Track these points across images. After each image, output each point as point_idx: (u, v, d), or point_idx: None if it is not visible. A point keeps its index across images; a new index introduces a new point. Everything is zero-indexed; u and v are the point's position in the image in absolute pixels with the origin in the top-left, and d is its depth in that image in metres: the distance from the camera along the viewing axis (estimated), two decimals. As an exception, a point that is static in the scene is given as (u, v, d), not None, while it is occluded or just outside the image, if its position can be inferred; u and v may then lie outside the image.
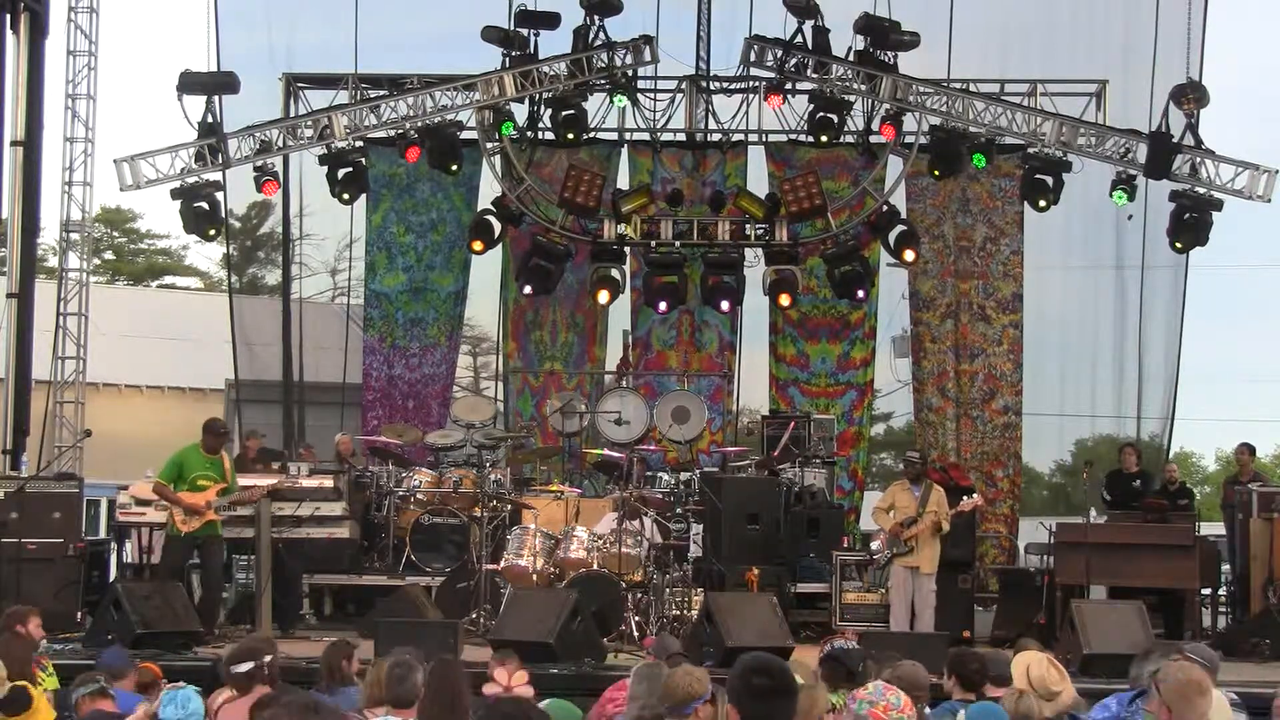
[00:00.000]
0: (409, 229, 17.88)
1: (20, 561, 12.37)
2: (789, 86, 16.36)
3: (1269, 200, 15.31)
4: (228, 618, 13.28)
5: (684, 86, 17.36)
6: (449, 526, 14.15)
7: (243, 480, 12.75)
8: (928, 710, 6.68)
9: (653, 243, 16.67)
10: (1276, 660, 12.08)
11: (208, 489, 12.08)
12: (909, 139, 16.63)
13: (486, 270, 18.06)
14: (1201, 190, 15.47)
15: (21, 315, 15.11)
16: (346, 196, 16.17)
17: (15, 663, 7.63)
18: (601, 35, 15.88)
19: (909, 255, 16.66)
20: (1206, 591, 14.14)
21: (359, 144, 16.23)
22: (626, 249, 16.91)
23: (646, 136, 17.61)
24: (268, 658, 6.60)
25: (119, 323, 23.69)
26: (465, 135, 16.30)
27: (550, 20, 15.87)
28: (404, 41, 18.42)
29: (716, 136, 17.70)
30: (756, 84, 16.98)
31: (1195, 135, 15.35)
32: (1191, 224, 15.57)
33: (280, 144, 15.85)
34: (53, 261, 22.05)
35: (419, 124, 15.72)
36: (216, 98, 15.58)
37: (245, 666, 6.56)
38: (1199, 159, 15.41)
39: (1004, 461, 17.47)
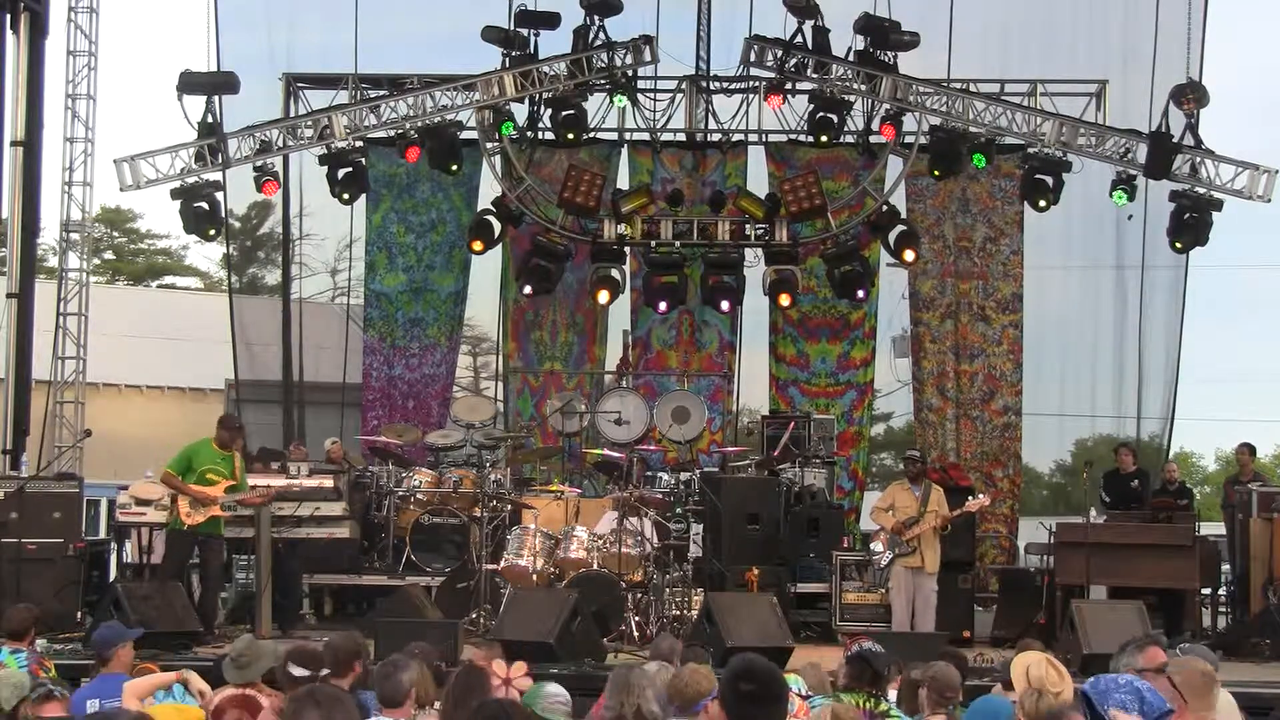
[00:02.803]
0: (409, 229, 17.88)
1: (20, 561, 12.37)
2: (789, 86, 16.36)
3: (1269, 200, 15.31)
4: (228, 618, 13.28)
5: (684, 86, 17.36)
6: (449, 526, 14.16)
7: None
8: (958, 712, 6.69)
9: (653, 243, 16.68)
10: (1276, 660, 12.09)
11: (217, 484, 12.08)
12: (909, 139, 16.63)
13: (486, 270, 18.08)
14: (1201, 190, 15.46)
15: (21, 315, 15.11)
16: (346, 196, 16.15)
17: None
18: (601, 35, 15.87)
19: (909, 255, 16.66)
20: (1206, 591, 14.13)
21: (359, 144, 16.21)
22: (626, 249, 16.92)
23: (646, 136, 17.61)
24: (304, 671, 6.55)
25: (119, 323, 23.68)
26: (465, 135, 16.30)
27: (550, 20, 15.87)
28: (404, 41, 18.43)
29: (716, 136, 17.71)
30: (756, 84, 16.98)
31: (1195, 135, 15.35)
32: (1191, 224, 15.57)
33: (280, 144, 15.85)
34: (53, 261, 22.03)
35: (419, 124, 15.72)
36: (216, 98, 15.57)
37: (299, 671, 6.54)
38: (1199, 159, 15.41)
39: (1004, 461, 17.48)
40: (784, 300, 16.62)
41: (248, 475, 12.81)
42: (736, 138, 17.71)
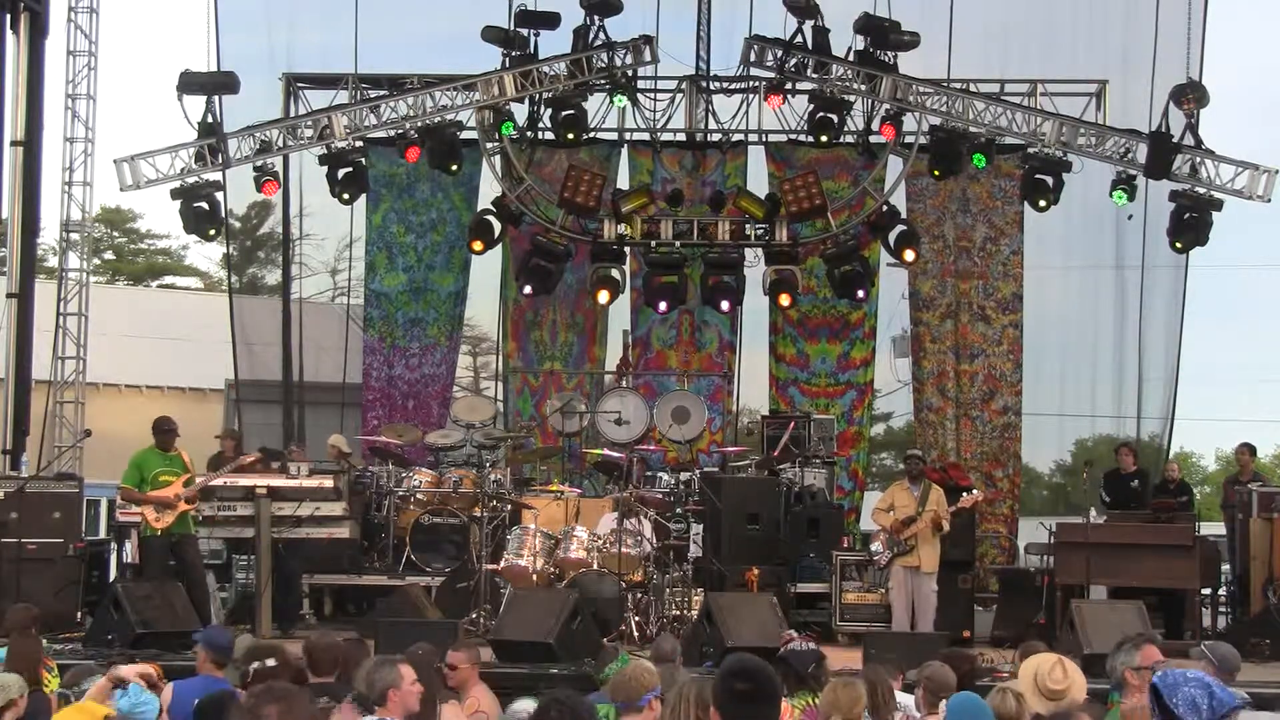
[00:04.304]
0: (409, 229, 17.88)
1: (20, 561, 12.38)
2: (789, 86, 16.36)
3: (1269, 200, 15.31)
4: (228, 618, 13.28)
5: (684, 86, 17.35)
6: (449, 526, 14.15)
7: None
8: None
9: (653, 243, 16.67)
10: (1276, 660, 12.08)
11: (172, 484, 12.12)
12: (909, 139, 16.62)
13: (486, 270, 18.07)
14: (1201, 190, 15.46)
15: (21, 315, 15.12)
16: (346, 196, 16.16)
17: (28, 664, 7.65)
18: (601, 35, 15.88)
19: (909, 255, 16.66)
20: (1206, 591, 14.12)
21: (359, 144, 16.22)
22: (626, 249, 16.92)
23: (646, 136, 17.60)
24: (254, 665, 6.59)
25: (119, 323, 23.68)
26: (465, 135, 16.30)
27: (550, 20, 15.88)
28: (404, 41, 18.44)
29: (716, 136, 17.70)
30: (756, 84, 16.98)
31: (1195, 135, 15.35)
32: (1191, 224, 15.57)
33: (280, 144, 15.85)
34: (53, 261, 22.03)
35: (419, 124, 15.72)
36: (216, 98, 15.57)
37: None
38: (1199, 159, 15.41)
39: (1004, 461, 17.47)
40: (784, 300, 16.62)
41: (252, 475, 12.84)
42: (736, 138, 17.70)
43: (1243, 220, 17.11)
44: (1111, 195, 15.75)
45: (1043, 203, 16.13)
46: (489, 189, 17.27)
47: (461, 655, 7.85)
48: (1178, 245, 15.89)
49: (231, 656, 7.70)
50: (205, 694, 6.89)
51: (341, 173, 15.96)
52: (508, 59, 15.82)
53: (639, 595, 12.56)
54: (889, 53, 15.77)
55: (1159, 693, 4.40)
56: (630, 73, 16.31)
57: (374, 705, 5.98)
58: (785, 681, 6.77)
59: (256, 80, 16.80)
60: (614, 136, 17.69)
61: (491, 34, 15.72)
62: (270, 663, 6.60)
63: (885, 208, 16.79)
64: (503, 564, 12.76)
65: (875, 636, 11.59)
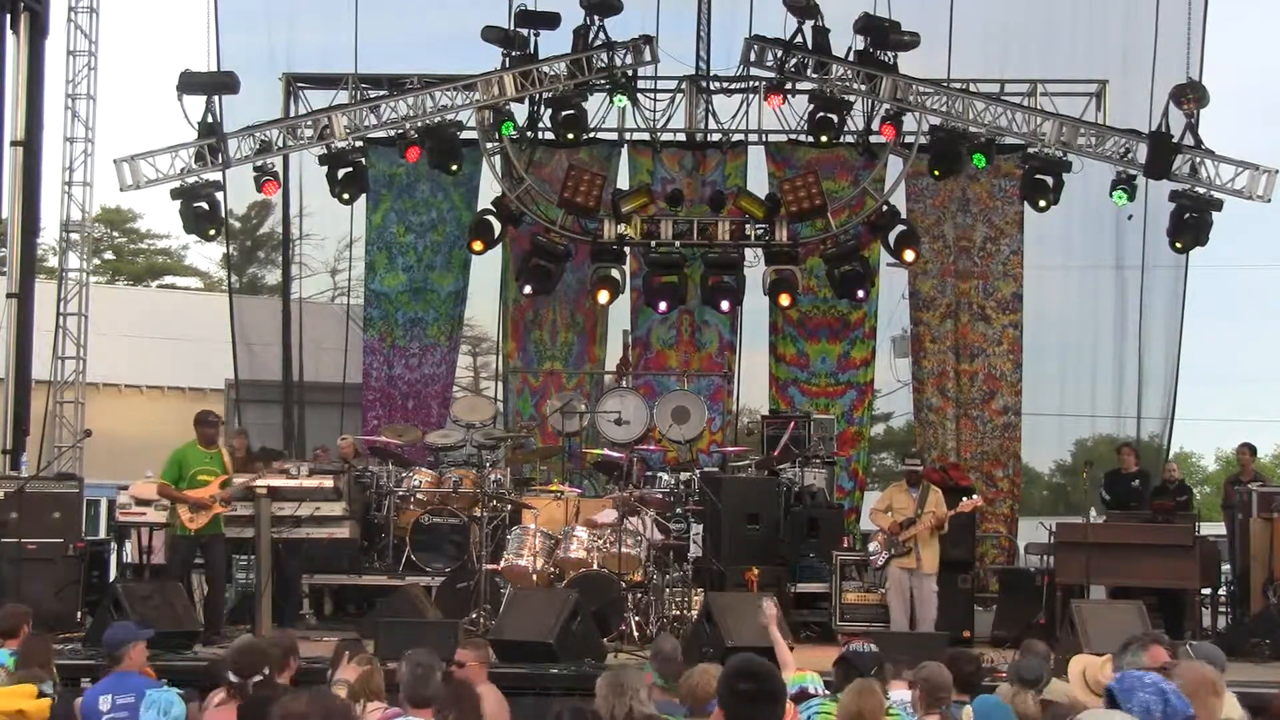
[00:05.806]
0: (409, 229, 17.88)
1: (20, 561, 12.37)
2: (789, 86, 16.36)
3: (1269, 200, 15.32)
4: (228, 618, 13.27)
5: (684, 86, 17.36)
6: (449, 526, 14.15)
7: (238, 480, 12.78)
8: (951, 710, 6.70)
9: (653, 243, 16.68)
10: (1276, 660, 12.09)
11: (210, 484, 12.09)
12: (909, 139, 16.63)
13: (486, 270, 18.08)
14: (1201, 190, 15.47)
15: (21, 315, 15.12)
16: (346, 196, 16.17)
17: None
18: (601, 35, 15.89)
19: (909, 255, 16.67)
20: (1206, 591, 14.13)
21: (359, 144, 16.23)
22: (626, 249, 16.93)
23: (646, 136, 17.61)
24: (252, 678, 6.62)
25: (119, 323, 23.69)
26: (465, 135, 16.31)
27: (550, 20, 15.88)
28: (404, 41, 18.45)
29: (716, 136, 17.70)
30: (756, 84, 16.99)
31: (1195, 135, 15.35)
32: (1191, 224, 15.57)
33: (280, 144, 15.86)
34: (53, 261, 22.04)
35: (419, 124, 15.73)
36: (216, 98, 15.58)
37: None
38: (1199, 159, 15.41)
39: (1004, 461, 17.47)
40: (784, 300, 16.62)
41: (250, 475, 12.83)
42: (736, 138, 17.71)
43: (1243, 220, 17.13)
44: (1111, 195, 15.76)
45: (1043, 203, 16.13)
46: (489, 189, 17.28)
47: (470, 653, 7.82)
48: (1178, 245, 15.90)
49: (120, 656, 7.71)
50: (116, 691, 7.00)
51: (341, 173, 15.97)
52: (508, 59, 15.83)
53: (639, 595, 12.56)
54: (889, 53, 15.77)
55: (1114, 697, 4.39)
56: (630, 73, 16.32)
57: (414, 708, 6.07)
58: (847, 679, 6.79)
59: (256, 80, 16.81)
60: (614, 136, 17.69)
61: (491, 34, 15.73)
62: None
63: (885, 208, 16.80)
64: (503, 564, 12.75)
65: (876, 637, 11.56)
